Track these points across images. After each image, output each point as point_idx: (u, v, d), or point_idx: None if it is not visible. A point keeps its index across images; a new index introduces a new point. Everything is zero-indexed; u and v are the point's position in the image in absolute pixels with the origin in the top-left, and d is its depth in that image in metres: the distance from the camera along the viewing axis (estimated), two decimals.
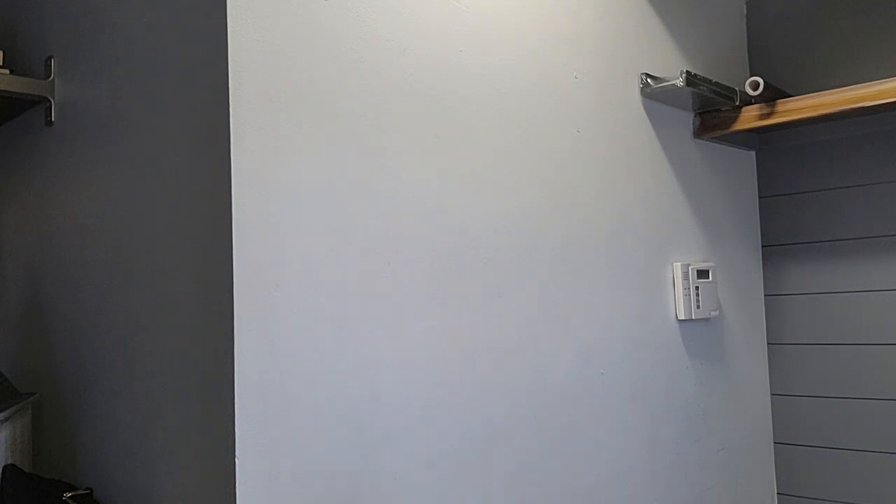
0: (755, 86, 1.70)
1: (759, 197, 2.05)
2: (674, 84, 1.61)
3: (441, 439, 1.16)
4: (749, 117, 1.77)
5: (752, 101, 1.76)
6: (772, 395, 2.02)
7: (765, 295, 2.03)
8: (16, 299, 1.44)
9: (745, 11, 2.08)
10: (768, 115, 1.76)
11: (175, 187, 1.04)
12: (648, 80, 1.64)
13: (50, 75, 1.33)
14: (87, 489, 1.17)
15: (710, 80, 1.68)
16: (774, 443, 2.01)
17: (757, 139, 2.03)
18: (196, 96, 1.00)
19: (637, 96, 1.63)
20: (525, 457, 1.30)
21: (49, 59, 1.34)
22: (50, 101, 1.33)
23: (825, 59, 1.94)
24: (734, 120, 1.79)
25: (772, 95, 1.75)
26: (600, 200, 1.51)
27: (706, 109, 1.81)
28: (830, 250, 1.93)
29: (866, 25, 1.88)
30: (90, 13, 1.25)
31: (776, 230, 2.02)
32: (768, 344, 2.02)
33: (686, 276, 1.70)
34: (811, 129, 1.96)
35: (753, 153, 2.05)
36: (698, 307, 1.72)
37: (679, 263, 1.70)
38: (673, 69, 1.74)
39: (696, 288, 1.72)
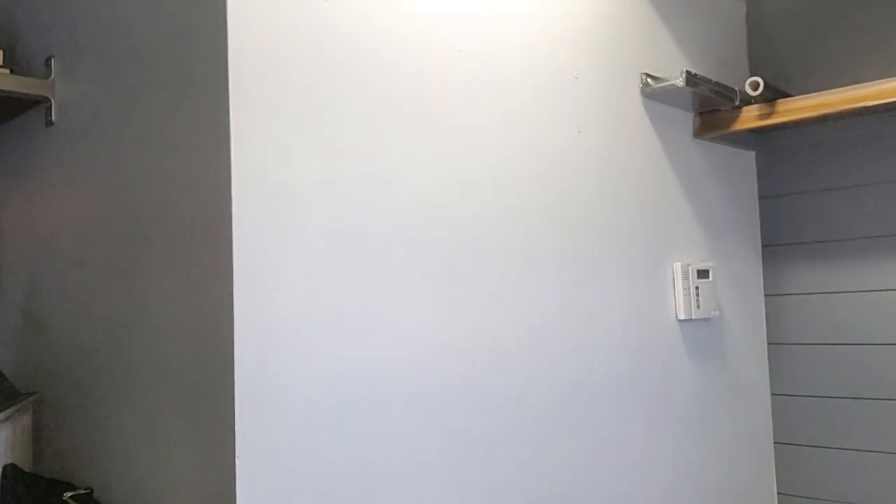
0: (755, 86, 1.70)
1: (759, 197, 2.04)
2: (674, 84, 1.61)
3: (441, 439, 1.16)
4: (749, 117, 1.77)
5: (752, 101, 1.76)
6: (772, 395, 2.02)
7: (765, 295, 2.03)
8: (16, 299, 1.44)
9: (745, 11, 2.08)
10: (768, 115, 1.76)
11: (175, 187, 1.04)
12: (648, 79, 1.64)
13: (50, 75, 1.33)
14: (87, 489, 1.17)
15: (710, 80, 1.68)
16: (774, 443, 2.01)
17: (757, 139, 2.03)
18: (196, 96, 1.00)
19: (637, 96, 1.63)
20: (525, 457, 1.30)
21: (49, 59, 1.34)
22: (50, 101, 1.33)
23: (825, 59, 1.94)
24: (734, 120, 1.79)
25: (772, 95, 1.75)
26: (600, 200, 1.51)
27: (706, 109, 1.81)
28: (830, 250, 1.93)
29: (866, 25, 1.88)
30: (90, 13, 1.25)
31: (776, 230, 2.02)
32: (768, 344, 2.02)
33: (686, 276, 1.70)
34: (811, 129, 1.96)
35: (753, 153, 2.05)
36: (698, 307, 1.72)
37: (679, 263, 1.70)
38: (673, 69, 1.74)
39: (696, 288, 1.72)
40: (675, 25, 1.78)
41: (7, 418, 1.19)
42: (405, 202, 1.14)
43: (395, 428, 1.10)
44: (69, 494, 1.14)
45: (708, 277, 1.76)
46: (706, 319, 1.79)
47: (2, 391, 1.23)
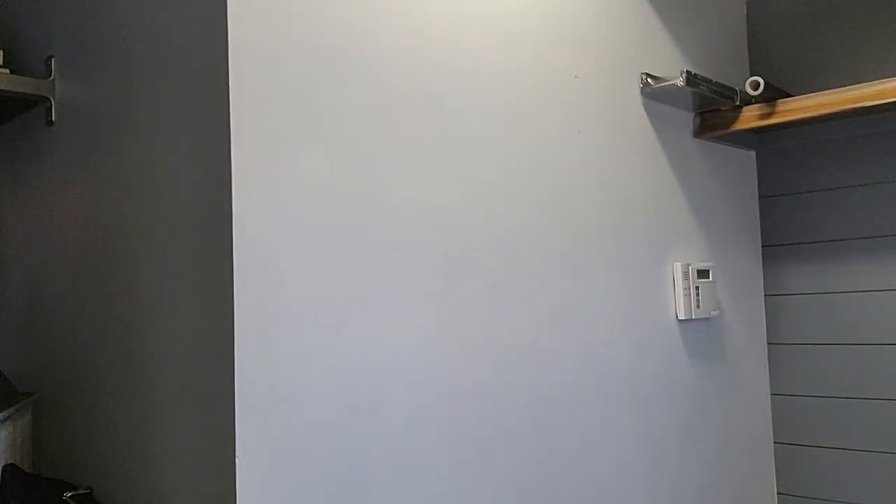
0: (755, 86, 1.70)
1: (759, 197, 2.05)
2: (674, 84, 1.61)
3: (440, 439, 1.16)
4: (749, 117, 1.77)
5: (753, 100, 1.76)
6: (772, 395, 2.02)
7: (765, 295, 2.03)
8: (16, 299, 1.44)
9: (745, 11, 2.08)
10: (768, 115, 1.76)
11: (175, 187, 1.04)
12: (648, 79, 1.64)
13: (50, 75, 1.33)
14: (87, 489, 1.17)
15: (711, 80, 1.68)
16: (774, 443, 2.01)
17: (757, 139, 2.03)
18: (196, 95, 1.00)
19: (637, 96, 1.63)
20: (525, 456, 1.30)
21: (49, 58, 1.34)
22: (50, 101, 1.33)
23: (825, 59, 1.94)
24: (734, 120, 1.79)
25: (772, 95, 1.75)
26: (600, 200, 1.51)
27: (706, 109, 1.81)
28: (830, 250, 1.93)
29: (866, 25, 1.88)
30: (90, 13, 1.25)
31: (776, 230, 2.02)
32: (768, 344, 2.02)
33: (686, 276, 1.70)
34: (811, 129, 1.96)
35: (753, 153, 2.05)
36: (698, 307, 1.72)
37: (679, 263, 1.70)
38: (673, 69, 1.74)
39: (696, 288, 1.72)
40: (675, 25, 1.78)
41: (7, 418, 1.19)
42: (405, 201, 1.14)
43: (394, 427, 1.10)
44: (69, 494, 1.14)
45: (708, 277, 1.76)
46: (706, 319, 1.79)
47: (2, 391, 1.23)
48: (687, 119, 1.80)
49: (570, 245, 1.43)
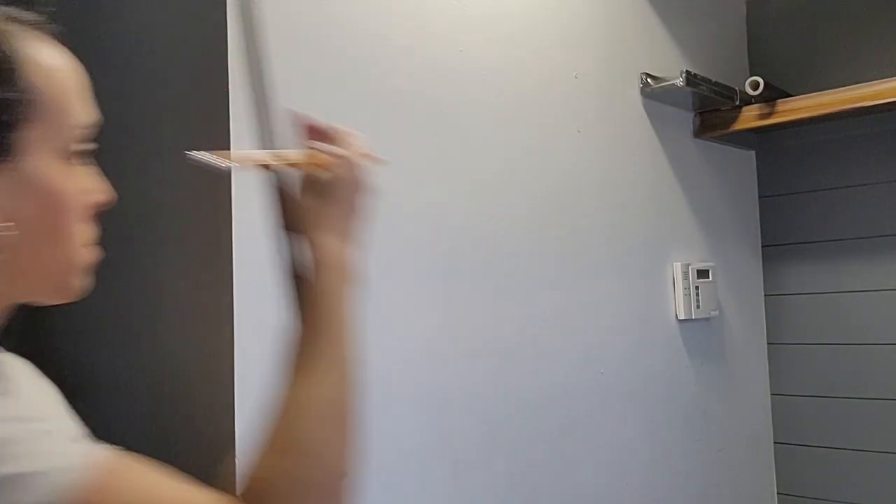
0: (755, 86, 1.70)
1: (759, 197, 2.04)
2: (674, 84, 1.61)
3: (440, 439, 1.16)
4: (749, 117, 1.77)
5: (752, 100, 1.76)
6: (772, 395, 2.02)
7: (765, 295, 2.03)
8: None
9: (745, 11, 2.08)
10: (768, 115, 1.76)
11: (175, 187, 1.04)
12: (648, 79, 1.64)
13: None
14: None
15: (710, 80, 1.68)
16: (774, 443, 2.01)
17: (757, 139, 2.03)
18: (196, 96, 1.00)
19: (637, 96, 1.63)
20: (524, 456, 1.30)
21: None
22: None
23: (825, 59, 1.94)
24: (734, 120, 1.79)
25: (772, 95, 1.75)
26: (600, 200, 1.51)
27: (706, 109, 1.81)
28: (830, 250, 1.93)
29: (866, 25, 1.88)
30: (90, 13, 1.25)
31: (776, 230, 2.02)
32: (768, 344, 2.02)
33: (686, 276, 1.70)
34: (811, 129, 1.95)
35: (753, 153, 2.05)
36: (698, 307, 1.72)
37: (679, 263, 1.70)
38: (673, 69, 1.74)
39: (696, 288, 1.72)
40: (675, 25, 1.78)
41: None
42: (404, 201, 1.14)
43: (394, 428, 1.10)
44: None
45: (708, 277, 1.76)
46: (706, 319, 1.79)
47: None
48: (687, 119, 1.80)
49: (570, 245, 1.43)
